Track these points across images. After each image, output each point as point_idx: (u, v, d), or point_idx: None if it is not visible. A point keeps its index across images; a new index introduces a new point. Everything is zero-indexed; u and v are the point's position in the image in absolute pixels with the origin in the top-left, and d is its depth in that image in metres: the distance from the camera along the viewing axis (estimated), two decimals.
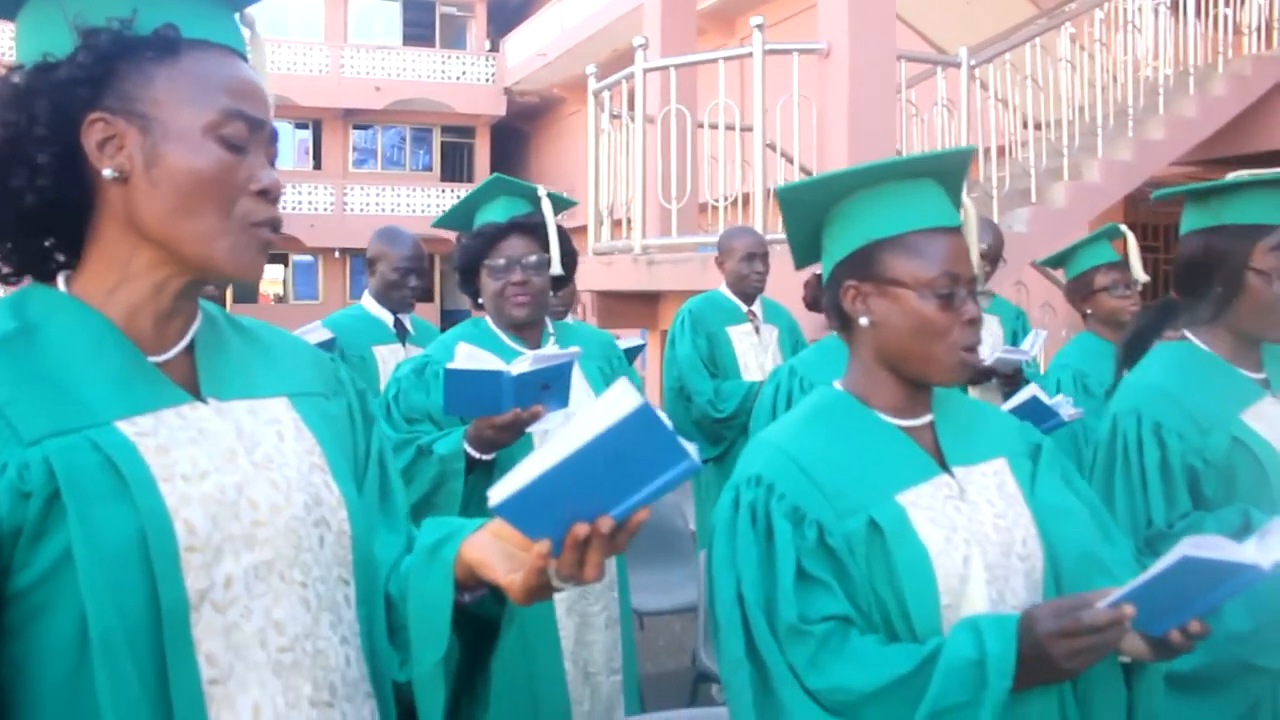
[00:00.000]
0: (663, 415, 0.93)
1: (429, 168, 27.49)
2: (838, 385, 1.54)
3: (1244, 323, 1.97)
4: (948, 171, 1.48)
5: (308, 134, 27.22)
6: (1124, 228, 3.32)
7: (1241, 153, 7.89)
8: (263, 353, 1.21)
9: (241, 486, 1.06)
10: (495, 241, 2.52)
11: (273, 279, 27.59)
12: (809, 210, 1.51)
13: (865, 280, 1.45)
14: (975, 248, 1.53)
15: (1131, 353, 2.18)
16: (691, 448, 0.97)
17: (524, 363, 2.18)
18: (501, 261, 2.50)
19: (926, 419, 1.51)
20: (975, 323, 1.44)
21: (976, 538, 1.40)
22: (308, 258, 26.93)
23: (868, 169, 1.46)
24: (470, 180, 25.11)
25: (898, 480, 1.42)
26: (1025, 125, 6.83)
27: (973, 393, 3.81)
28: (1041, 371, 4.11)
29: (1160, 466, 1.94)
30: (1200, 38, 7.38)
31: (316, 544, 1.11)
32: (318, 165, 27.05)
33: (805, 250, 1.58)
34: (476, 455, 2.27)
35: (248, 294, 26.41)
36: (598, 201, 7.01)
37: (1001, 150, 6.76)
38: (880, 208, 1.45)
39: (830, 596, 1.35)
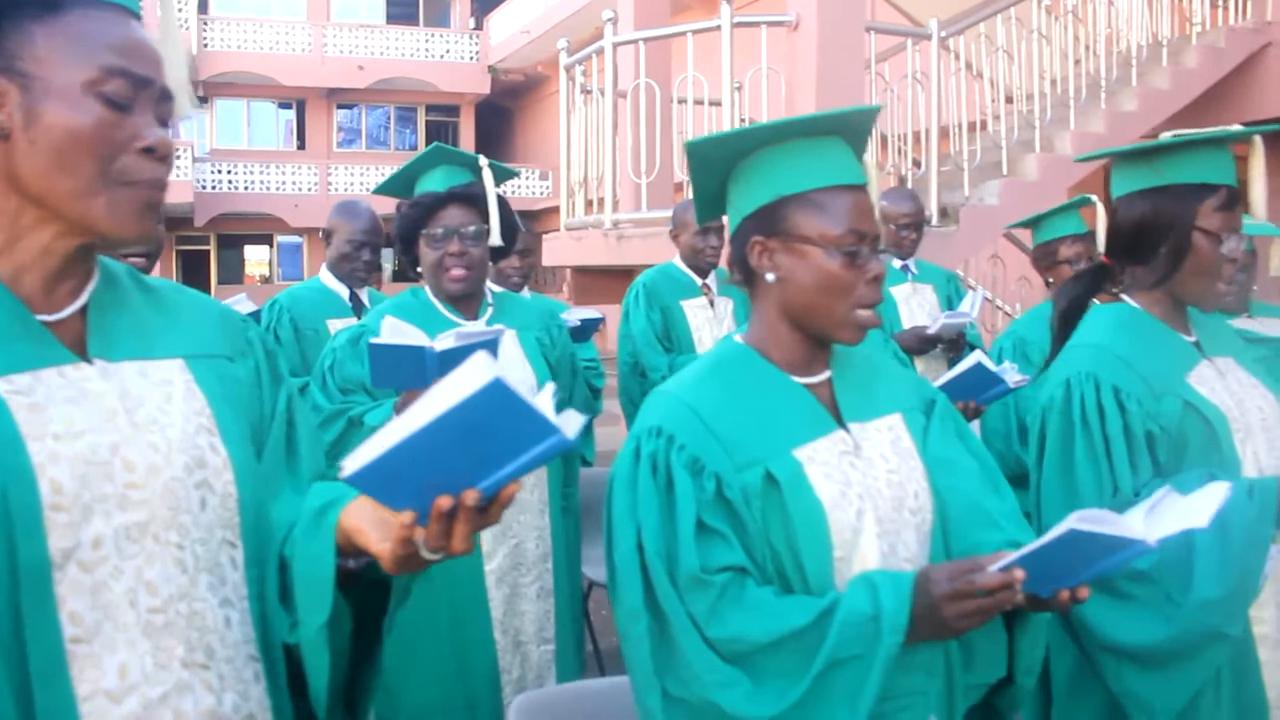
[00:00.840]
0: (523, 391, 0.92)
1: (414, 147, 27.39)
2: (739, 339, 1.54)
3: (1186, 285, 1.94)
4: (854, 129, 1.48)
5: (291, 114, 27.12)
6: (1095, 198, 3.30)
7: (1214, 124, 7.87)
8: (165, 314, 1.20)
9: (117, 447, 1.05)
10: (434, 211, 2.50)
11: (258, 260, 27.54)
12: (716, 165, 1.51)
13: (772, 236, 1.45)
14: (876, 207, 1.53)
15: (1066, 317, 2.16)
16: (572, 422, 0.96)
17: (448, 339, 2.16)
18: (439, 231, 2.48)
19: (825, 375, 1.52)
20: (879, 280, 1.44)
21: (870, 493, 1.42)
22: (293, 238, 26.86)
23: (775, 125, 1.45)
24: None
25: (795, 435, 1.43)
26: (996, 100, 6.81)
27: (919, 363, 3.82)
28: (981, 337, 4.12)
29: (1124, 432, 1.90)
30: (1173, 9, 7.37)
31: (197, 506, 1.11)
32: (301, 145, 26.96)
33: (709, 205, 1.57)
34: None
35: (233, 275, 26.37)
36: (569, 177, 6.99)
37: (975, 124, 6.74)
38: (787, 164, 1.45)
39: (727, 548, 1.36)
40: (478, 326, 2.33)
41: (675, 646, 1.35)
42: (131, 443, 1.07)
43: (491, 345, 2.20)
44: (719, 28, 5.78)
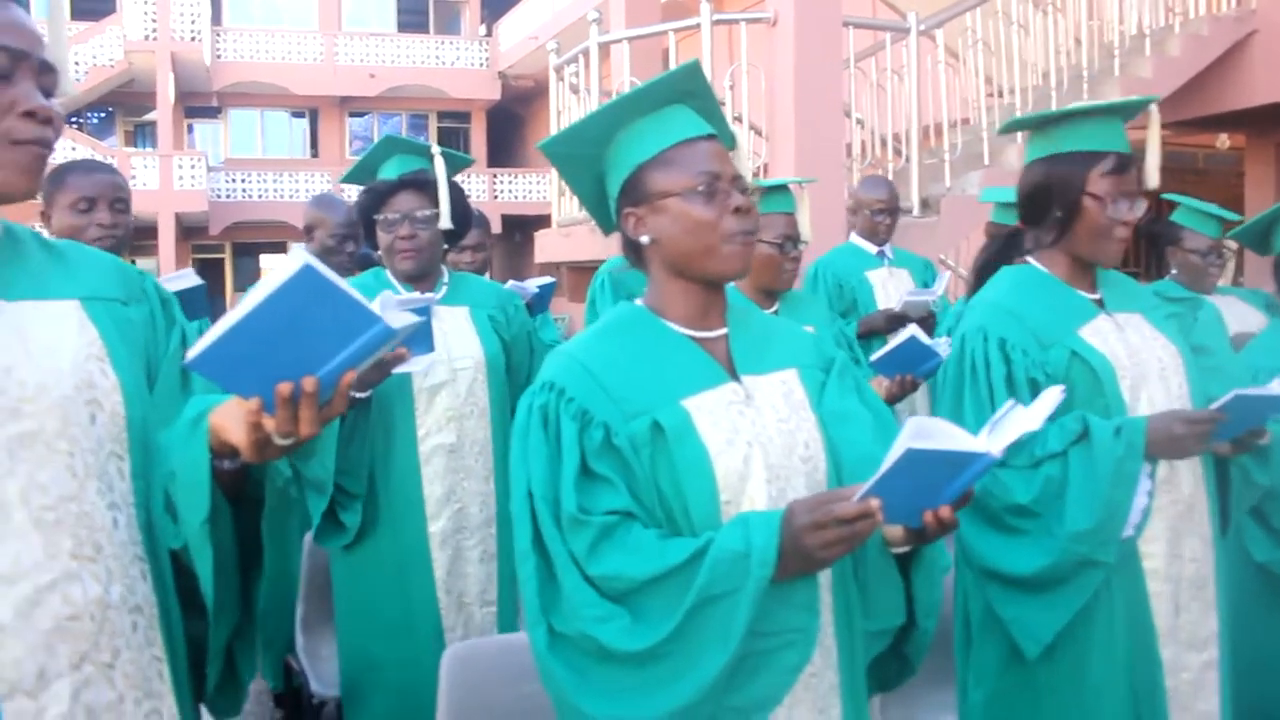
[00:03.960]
0: (342, 282, 1.04)
1: None
2: (639, 302, 1.63)
3: (1080, 245, 2.10)
4: (687, 91, 1.56)
5: (304, 123, 27.35)
6: None
7: (1199, 114, 7.94)
8: (63, 265, 1.36)
9: (11, 369, 1.21)
10: (386, 197, 2.65)
11: (274, 267, 27.75)
12: (582, 166, 1.61)
13: (639, 204, 1.54)
14: (747, 169, 1.63)
15: (979, 280, 2.30)
16: (399, 316, 1.08)
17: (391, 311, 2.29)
18: (392, 216, 2.63)
19: (721, 331, 1.59)
20: (743, 210, 1.52)
21: (759, 440, 1.49)
22: None
23: (608, 107, 1.56)
24: (465, 168, 25.17)
25: (685, 386, 1.51)
26: (979, 92, 6.88)
27: (892, 341, 3.91)
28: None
29: (1006, 380, 2.06)
30: None
31: (87, 420, 1.26)
32: (315, 154, 27.18)
33: (599, 213, 1.66)
34: (350, 393, 2.38)
35: (249, 282, 26.54)
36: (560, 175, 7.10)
37: (960, 120, 6.82)
38: (635, 139, 1.54)
39: (614, 492, 1.44)
40: (412, 295, 2.45)
41: (559, 585, 1.43)
42: (24, 366, 1.22)
43: (423, 312, 2.31)
44: (699, 26, 5.89)
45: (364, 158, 2.80)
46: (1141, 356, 2.07)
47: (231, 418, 1.19)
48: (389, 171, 2.71)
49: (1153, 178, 2.12)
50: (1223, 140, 10.00)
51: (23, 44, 1.22)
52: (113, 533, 1.26)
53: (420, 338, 2.32)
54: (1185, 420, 1.94)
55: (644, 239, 1.55)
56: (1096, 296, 2.14)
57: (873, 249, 4.40)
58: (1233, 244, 3.67)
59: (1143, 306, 2.17)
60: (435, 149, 2.71)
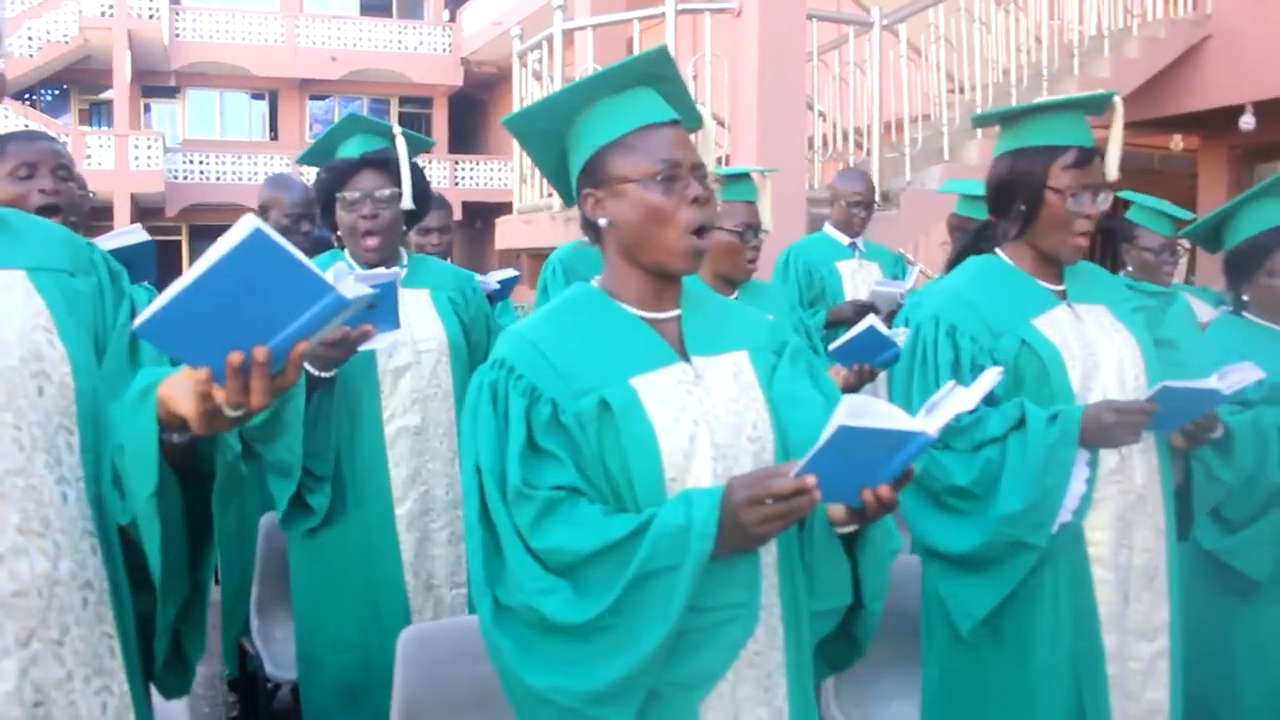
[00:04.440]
0: (294, 249, 1.02)
1: None
2: (594, 283, 1.63)
3: (1042, 238, 2.13)
4: (655, 74, 1.57)
5: (264, 105, 27.04)
6: None
7: (1155, 115, 8.07)
8: (9, 234, 1.35)
9: None
10: (348, 176, 2.62)
11: None
12: (545, 143, 1.62)
13: (599, 186, 1.55)
14: (711, 153, 1.63)
15: (951, 270, 2.34)
16: (352, 286, 1.07)
17: (347, 281, 2.27)
18: (353, 195, 2.60)
19: (674, 313, 1.60)
20: (701, 201, 1.52)
21: (706, 419, 1.50)
22: None
23: (574, 86, 1.56)
24: (426, 151, 25.04)
25: (634, 365, 1.52)
26: (940, 89, 6.94)
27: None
28: None
29: (952, 366, 2.11)
30: (1114, 1, 7.52)
31: (34, 393, 1.24)
32: (274, 136, 26.87)
33: (562, 187, 1.66)
34: (315, 372, 2.38)
35: None
36: (522, 163, 7.09)
37: (921, 116, 6.88)
38: (600, 119, 1.55)
39: (560, 468, 1.45)
40: (377, 270, 2.43)
41: (504, 557, 1.44)
42: None
43: (389, 288, 2.29)
44: (664, 15, 5.89)
45: (324, 135, 2.76)
46: (1097, 348, 2.10)
47: (180, 388, 1.17)
48: (350, 150, 2.67)
49: (1112, 170, 2.14)
50: (1177, 141, 10.16)
51: None
52: (62, 507, 1.25)
53: (385, 314, 2.30)
54: (1115, 410, 1.97)
55: (601, 221, 1.56)
56: (1060, 288, 2.17)
57: (845, 240, 4.46)
58: (1185, 242, 3.74)
59: (1109, 299, 2.20)
60: (397, 129, 2.69)
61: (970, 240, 2.36)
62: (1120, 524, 2.07)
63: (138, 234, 2.83)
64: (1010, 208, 2.15)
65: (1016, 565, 2.02)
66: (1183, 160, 10.77)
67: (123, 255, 2.65)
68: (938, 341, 2.13)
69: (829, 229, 4.54)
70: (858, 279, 4.38)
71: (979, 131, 6.77)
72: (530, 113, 1.61)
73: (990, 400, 2.09)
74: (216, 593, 3.71)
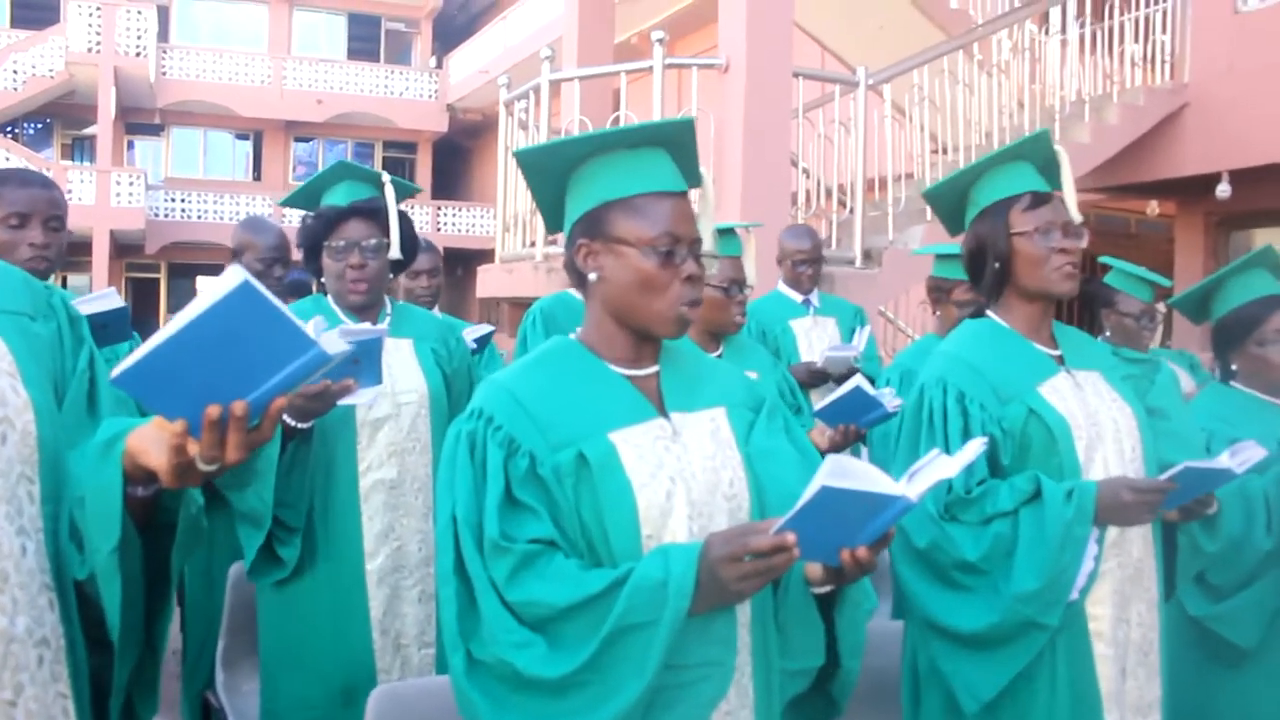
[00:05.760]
0: (279, 302, 0.99)
1: None
2: (573, 336, 1.63)
3: (1027, 281, 2.11)
4: (673, 141, 1.58)
5: (248, 145, 27.06)
6: None
7: (1133, 180, 8.18)
8: None
9: None
10: (335, 224, 2.58)
11: None
12: (549, 176, 1.61)
13: (595, 239, 1.54)
14: (709, 216, 1.63)
15: None
16: (334, 341, 1.04)
17: (332, 336, 2.24)
18: (341, 243, 2.56)
19: (653, 369, 1.60)
20: (694, 279, 1.53)
21: (683, 476, 1.49)
22: None
23: (596, 135, 1.56)
24: (411, 196, 25.09)
25: (612, 420, 1.51)
26: (924, 149, 7.01)
27: (814, 395, 3.94)
28: (882, 368, 4.25)
29: (963, 433, 2.06)
30: (1095, 67, 7.64)
31: None
32: (258, 177, 26.88)
33: (552, 216, 1.67)
34: (292, 423, 2.33)
35: (184, 303, 26.07)
36: (505, 211, 7.09)
37: (904, 175, 6.94)
38: (610, 172, 1.54)
39: (537, 521, 1.44)
40: (363, 326, 2.40)
41: (478, 610, 1.43)
42: None
43: (375, 345, 2.27)
44: (651, 69, 5.93)
45: (311, 181, 2.72)
46: (1099, 417, 2.07)
47: (151, 440, 1.14)
48: (337, 198, 2.63)
49: (1073, 213, 2.12)
50: (1153, 207, 10.29)
51: None
52: (20, 560, 1.20)
53: (367, 369, 2.27)
54: (1134, 489, 1.94)
55: (592, 276, 1.55)
56: (1057, 353, 2.15)
57: (798, 297, 4.44)
58: (1162, 307, 3.76)
59: (1101, 365, 2.18)
60: (385, 177, 2.67)
61: (975, 313, 2.34)
62: (1119, 598, 2.03)
63: (112, 299, 2.78)
64: (986, 270, 2.14)
65: (1027, 645, 1.97)
66: (1159, 225, 10.91)
67: (97, 320, 2.61)
68: (946, 408, 2.08)
69: (781, 287, 4.51)
70: (812, 336, 4.35)
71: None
72: (546, 150, 1.60)
73: (995, 470, 2.06)
74: (178, 640, 3.63)
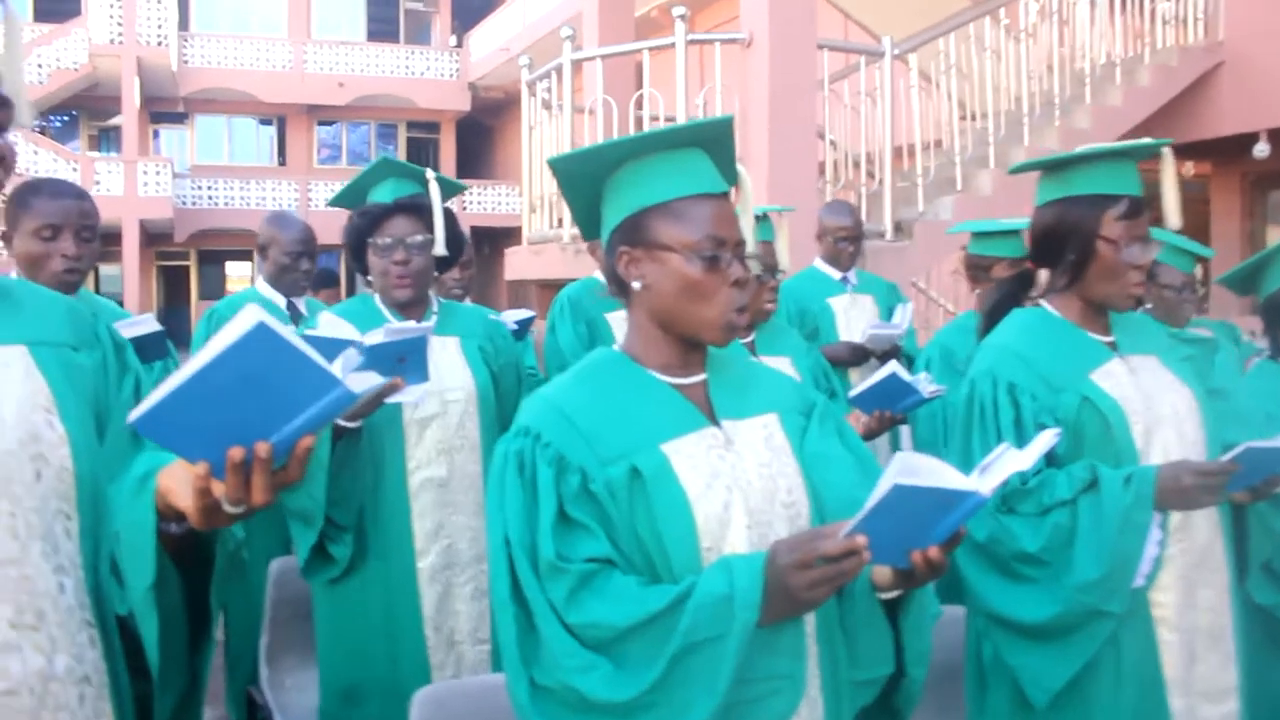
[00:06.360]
0: (299, 342, 0.97)
1: None
2: (617, 347, 1.59)
3: (1094, 289, 2.07)
4: (712, 140, 1.53)
5: (272, 130, 27.15)
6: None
7: (1168, 142, 8.03)
8: (10, 306, 1.29)
9: None
10: (380, 221, 2.58)
11: (240, 275, 27.51)
12: (584, 182, 1.57)
13: (636, 246, 1.50)
14: (749, 214, 1.59)
15: (991, 322, 2.27)
16: (361, 379, 1.02)
17: (377, 334, 2.24)
18: (386, 241, 2.56)
19: (700, 377, 1.56)
20: (742, 283, 1.48)
21: (739, 484, 1.45)
22: None
23: (633, 139, 1.51)
24: (458, 194, 25.10)
25: (663, 431, 1.47)
26: (953, 117, 6.92)
27: (853, 374, 3.90)
28: (919, 345, 4.20)
29: (1015, 425, 2.03)
30: (1126, 28, 7.50)
31: (31, 477, 1.19)
32: (283, 161, 26.98)
33: (587, 224, 1.63)
34: (342, 423, 2.33)
35: (214, 291, 26.34)
36: (531, 192, 7.07)
37: (933, 142, 6.85)
38: (648, 177, 1.50)
39: (592, 539, 1.40)
40: (408, 324, 2.39)
41: (538, 634, 1.38)
42: None
43: (420, 343, 2.26)
44: (674, 45, 5.87)
45: (357, 179, 2.73)
46: (1155, 401, 2.03)
47: (179, 481, 1.12)
48: (382, 195, 2.64)
49: (1173, 219, 2.10)
50: (1188, 168, 10.12)
51: None
52: (58, 598, 1.19)
53: (414, 367, 2.26)
54: (1196, 472, 1.90)
55: (635, 284, 1.51)
56: (1110, 339, 2.11)
57: (836, 275, 4.37)
58: (1199, 271, 3.68)
59: (1158, 348, 2.14)
60: (430, 174, 2.66)
61: (1009, 289, 2.30)
62: (1184, 583, 2.00)
63: (149, 324, 2.82)
64: (1059, 258, 2.09)
65: (1093, 634, 1.94)
66: (1194, 185, 10.74)
67: (136, 343, 2.63)
68: (998, 400, 2.06)
69: (819, 263, 4.42)
70: (851, 314, 4.27)
71: (992, 161, 6.74)
72: (579, 157, 1.55)
73: (1051, 460, 2.03)
74: (222, 631, 3.66)
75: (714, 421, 1.52)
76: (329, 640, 2.59)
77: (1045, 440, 1.44)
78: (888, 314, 4.25)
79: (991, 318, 2.28)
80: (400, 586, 2.49)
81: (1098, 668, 1.98)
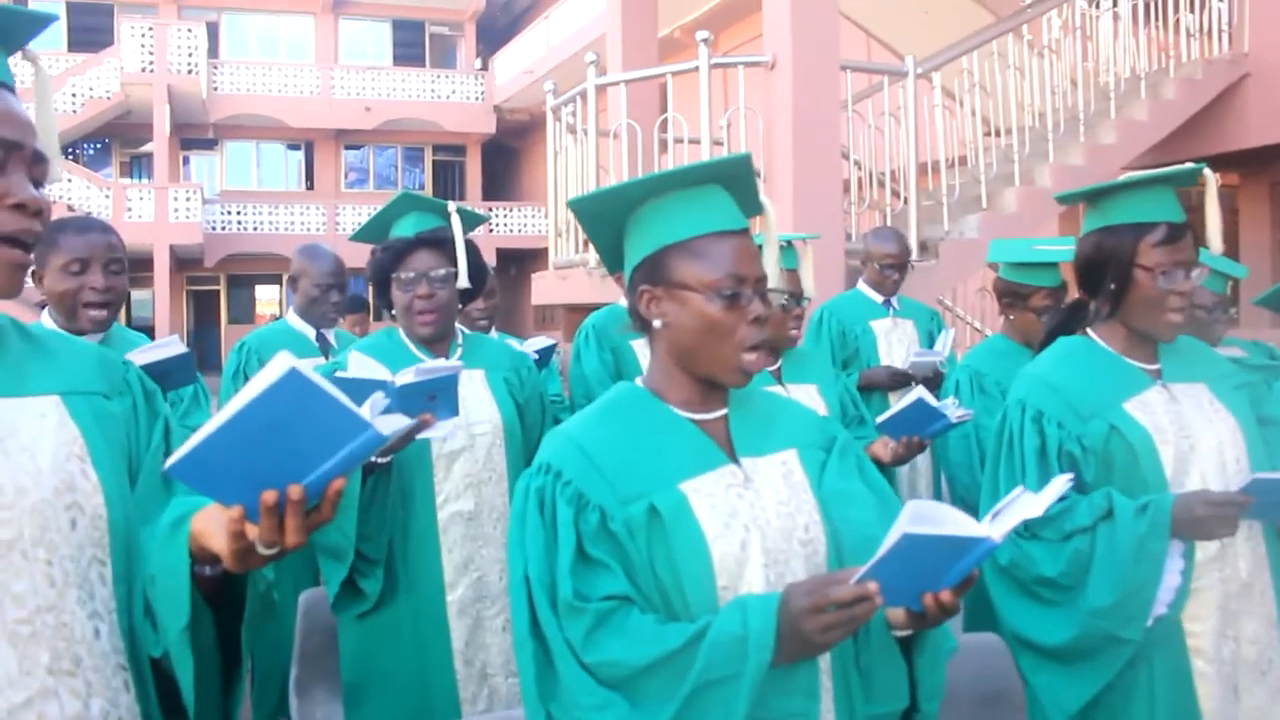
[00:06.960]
0: (329, 386, 0.99)
1: (421, 187, 27.59)
2: (639, 382, 1.61)
3: (1134, 317, 2.08)
4: (732, 176, 1.54)
5: (300, 155, 27.41)
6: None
7: (1193, 156, 7.97)
8: (44, 357, 1.32)
9: None
10: (403, 255, 2.60)
11: (269, 299, 27.74)
12: (605, 221, 1.59)
13: (657, 285, 1.52)
14: (774, 247, 1.60)
15: (1043, 350, 2.28)
16: (390, 421, 1.04)
17: (408, 374, 2.26)
18: (409, 275, 2.58)
19: (720, 413, 1.57)
20: (761, 320, 1.50)
21: (757, 523, 1.47)
22: None
23: (651, 179, 1.53)
24: (463, 199, 25.22)
25: (682, 469, 1.49)
26: (976, 134, 6.90)
27: (892, 397, 3.90)
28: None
29: (1038, 453, 2.06)
30: (1150, 42, 7.46)
31: (67, 525, 1.21)
32: (310, 186, 27.21)
33: (612, 259, 1.65)
34: (372, 458, 2.35)
35: (244, 314, 26.58)
36: (557, 217, 7.10)
37: (957, 160, 6.84)
38: (668, 215, 1.52)
39: (611, 577, 1.42)
40: (438, 362, 2.42)
41: (556, 672, 1.40)
42: (1, 469, 1.17)
43: (450, 381, 2.28)
44: (697, 69, 5.89)
45: (379, 214, 2.76)
46: (1194, 430, 2.03)
47: (213, 524, 1.14)
48: (404, 229, 2.66)
49: (1215, 242, 2.08)
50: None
51: (16, 134, 1.20)
52: (94, 643, 1.21)
53: (444, 403, 2.29)
54: (1208, 502, 1.90)
55: (656, 323, 1.53)
56: (1154, 367, 2.11)
57: (879, 299, 4.39)
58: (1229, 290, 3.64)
59: (1208, 376, 2.13)
60: (452, 206, 2.68)
61: (1062, 318, 2.30)
62: (1223, 614, 1.99)
63: (175, 345, 2.84)
64: (1100, 287, 2.10)
65: (1111, 659, 1.96)
66: (1222, 197, 10.65)
67: (162, 366, 2.67)
68: (1024, 428, 2.09)
69: (863, 287, 4.46)
70: (892, 338, 4.31)
71: (1017, 178, 6.72)
72: (599, 197, 1.57)
73: (1080, 487, 2.04)
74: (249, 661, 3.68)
75: (734, 459, 1.53)
76: (356, 675, 2.60)
77: (1057, 488, 1.45)
78: (928, 339, 4.28)
79: (1043, 347, 2.29)
80: (429, 620, 2.50)
81: (1132, 696, 1.98)
